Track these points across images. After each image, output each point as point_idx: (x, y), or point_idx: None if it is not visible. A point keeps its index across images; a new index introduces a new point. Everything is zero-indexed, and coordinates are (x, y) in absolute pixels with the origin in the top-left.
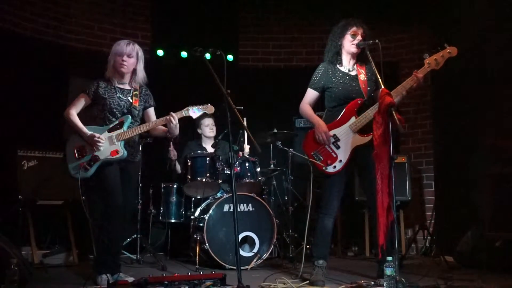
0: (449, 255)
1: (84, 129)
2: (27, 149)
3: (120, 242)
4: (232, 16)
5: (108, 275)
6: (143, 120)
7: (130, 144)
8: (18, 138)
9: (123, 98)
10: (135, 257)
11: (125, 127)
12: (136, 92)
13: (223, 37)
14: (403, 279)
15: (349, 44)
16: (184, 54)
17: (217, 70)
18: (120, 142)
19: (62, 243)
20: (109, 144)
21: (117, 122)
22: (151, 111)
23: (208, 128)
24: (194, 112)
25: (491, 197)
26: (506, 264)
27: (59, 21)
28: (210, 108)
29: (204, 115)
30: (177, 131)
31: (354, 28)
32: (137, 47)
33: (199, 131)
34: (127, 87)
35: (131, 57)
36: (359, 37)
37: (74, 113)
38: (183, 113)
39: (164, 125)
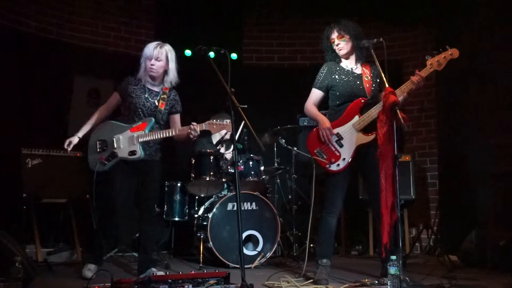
0: (453, 254)
1: (88, 124)
2: (31, 147)
3: (125, 238)
4: (236, 14)
5: (93, 266)
6: (168, 124)
7: (150, 144)
8: (22, 136)
9: (150, 99)
10: None
11: (147, 130)
12: (164, 96)
13: (227, 36)
14: (407, 278)
15: (337, 49)
16: (188, 52)
17: (221, 68)
18: (139, 144)
19: (66, 241)
20: (128, 144)
21: (140, 123)
22: (177, 117)
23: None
24: (214, 128)
25: (495, 196)
26: (510, 263)
27: (63, 20)
28: (228, 127)
29: (224, 116)
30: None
31: (332, 37)
32: (166, 48)
33: None
34: (156, 89)
35: (160, 60)
36: (337, 41)
37: (100, 109)
38: (203, 126)
39: None
